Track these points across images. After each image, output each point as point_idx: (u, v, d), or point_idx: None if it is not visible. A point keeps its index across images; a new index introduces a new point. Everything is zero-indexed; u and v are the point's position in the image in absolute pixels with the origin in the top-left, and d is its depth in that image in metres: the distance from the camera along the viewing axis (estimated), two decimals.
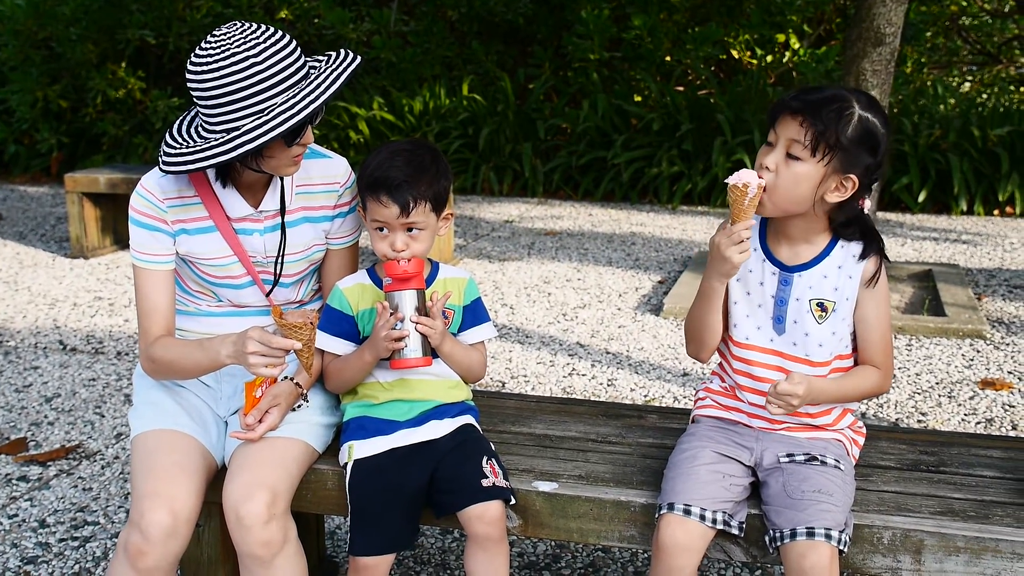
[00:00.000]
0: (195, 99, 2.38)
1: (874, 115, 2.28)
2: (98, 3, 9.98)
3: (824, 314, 2.39)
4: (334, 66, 2.43)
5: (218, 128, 2.36)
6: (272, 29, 2.37)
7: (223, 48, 2.31)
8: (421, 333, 2.45)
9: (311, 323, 2.34)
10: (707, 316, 2.45)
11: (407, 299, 2.44)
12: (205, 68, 2.32)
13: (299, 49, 2.40)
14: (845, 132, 2.24)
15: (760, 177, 2.26)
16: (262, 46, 2.32)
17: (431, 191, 2.47)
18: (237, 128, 2.33)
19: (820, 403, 2.40)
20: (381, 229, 2.48)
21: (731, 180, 2.25)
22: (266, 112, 2.32)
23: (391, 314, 2.43)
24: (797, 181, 2.27)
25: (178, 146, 2.41)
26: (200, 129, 2.43)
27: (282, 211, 2.59)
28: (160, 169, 2.42)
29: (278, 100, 2.33)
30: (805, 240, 2.40)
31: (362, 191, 2.51)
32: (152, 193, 2.52)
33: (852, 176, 2.28)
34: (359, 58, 2.47)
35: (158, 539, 2.25)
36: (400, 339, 2.43)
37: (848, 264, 2.39)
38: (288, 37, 2.38)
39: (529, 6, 10.47)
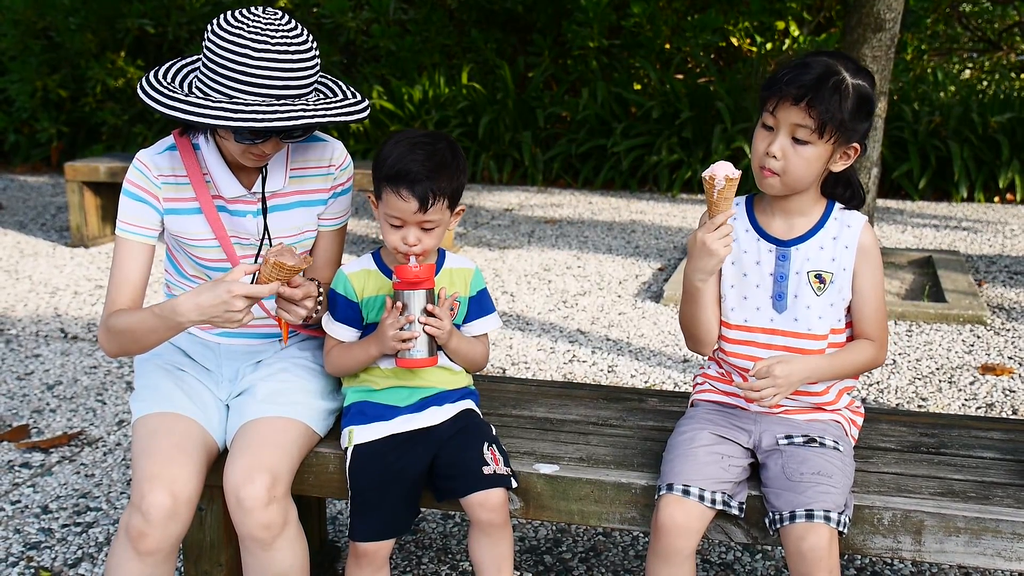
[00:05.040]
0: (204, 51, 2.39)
1: (863, 79, 2.32)
2: None
3: (822, 286, 2.39)
4: (331, 107, 2.42)
5: (206, 88, 2.37)
6: (300, 33, 2.36)
7: (238, 30, 2.31)
8: (428, 334, 2.45)
9: (302, 264, 2.35)
10: (700, 314, 2.45)
11: (416, 300, 2.42)
12: (218, 36, 2.33)
13: (314, 60, 2.38)
14: (847, 108, 2.26)
15: (737, 169, 2.28)
16: (269, 44, 2.30)
17: (450, 188, 2.43)
18: (219, 92, 2.35)
19: (818, 380, 2.40)
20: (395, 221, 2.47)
21: (706, 173, 2.27)
22: (231, 102, 2.33)
23: (400, 313, 2.42)
24: (809, 163, 2.30)
25: (165, 84, 2.41)
26: (198, 82, 2.43)
27: (263, 196, 2.58)
28: (139, 89, 2.41)
29: (248, 99, 2.33)
30: (800, 212, 2.42)
31: (379, 182, 2.45)
32: (148, 167, 2.52)
33: (855, 144, 2.34)
34: (365, 113, 2.47)
35: (159, 521, 2.26)
36: (408, 339, 2.43)
37: (844, 235, 2.40)
38: (308, 46, 2.37)
39: None
